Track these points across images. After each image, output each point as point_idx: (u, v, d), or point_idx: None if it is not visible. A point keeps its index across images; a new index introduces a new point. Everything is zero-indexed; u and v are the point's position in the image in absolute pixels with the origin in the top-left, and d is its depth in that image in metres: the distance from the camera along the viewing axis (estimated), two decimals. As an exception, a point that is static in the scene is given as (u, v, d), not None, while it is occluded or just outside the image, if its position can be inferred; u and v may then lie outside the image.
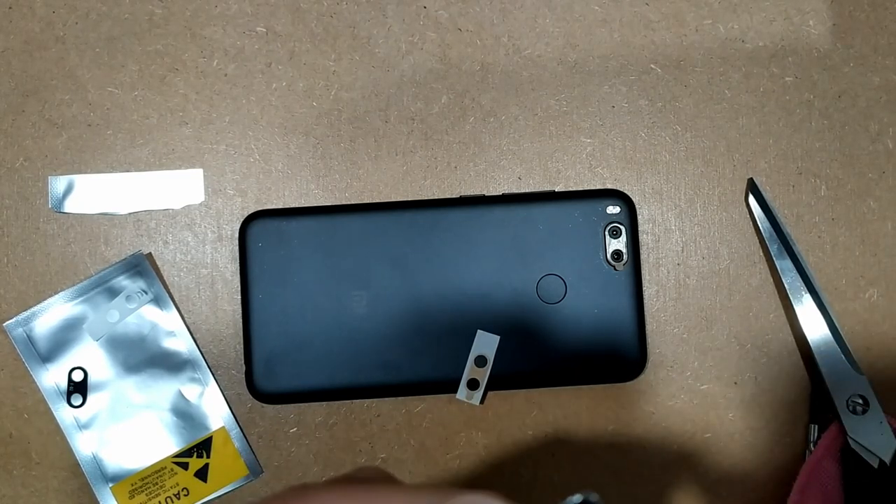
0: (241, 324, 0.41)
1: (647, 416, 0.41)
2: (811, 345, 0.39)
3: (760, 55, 0.42)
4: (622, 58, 0.42)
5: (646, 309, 0.41)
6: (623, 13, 0.42)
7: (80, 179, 0.42)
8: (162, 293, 0.41)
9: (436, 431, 0.42)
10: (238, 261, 0.41)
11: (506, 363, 0.40)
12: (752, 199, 0.41)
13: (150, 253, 0.42)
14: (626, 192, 0.41)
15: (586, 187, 0.42)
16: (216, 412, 0.41)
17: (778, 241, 0.40)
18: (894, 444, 0.38)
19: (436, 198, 0.42)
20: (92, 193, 0.42)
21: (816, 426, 0.40)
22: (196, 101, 0.42)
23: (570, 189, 0.42)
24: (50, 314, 0.41)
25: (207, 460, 0.41)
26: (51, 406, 0.41)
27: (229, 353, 0.42)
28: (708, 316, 0.42)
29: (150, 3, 0.42)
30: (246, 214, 0.41)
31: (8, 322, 0.41)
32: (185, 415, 0.41)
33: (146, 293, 0.41)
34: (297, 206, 0.42)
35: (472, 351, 0.40)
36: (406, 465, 0.42)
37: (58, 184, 0.42)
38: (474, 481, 0.41)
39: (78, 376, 0.41)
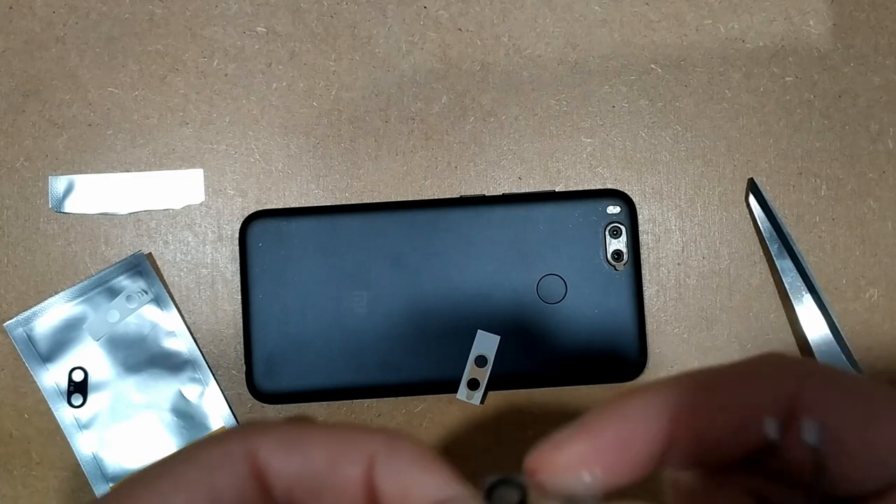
0: (241, 324, 0.41)
1: (648, 416, 0.41)
2: (811, 345, 0.39)
3: (760, 55, 0.42)
4: (622, 58, 0.42)
5: (646, 309, 0.41)
6: (623, 13, 0.42)
7: (80, 179, 0.42)
8: (162, 293, 0.41)
9: (436, 431, 0.42)
10: (238, 261, 0.41)
11: (506, 363, 0.40)
12: (752, 199, 0.41)
13: (150, 253, 0.42)
14: (626, 192, 0.41)
15: (586, 187, 0.42)
16: (216, 412, 0.41)
17: (778, 241, 0.40)
18: (894, 444, 0.38)
19: (436, 198, 0.42)
20: (92, 193, 0.42)
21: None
22: (196, 101, 0.42)
23: (571, 189, 0.42)
24: (50, 314, 0.41)
25: (207, 460, 0.41)
26: (51, 406, 0.41)
27: (229, 353, 0.42)
28: (708, 316, 0.42)
29: (150, 3, 0.42)
30: (246, 214, 0.41)
31: (8, 322, 0.41)
32: (185, 415, 0.41)
33: (146, 293, 0.41)
34: (297, 206, 0.42)
35: (472, 351, 0.40)
36: (406, 465, 0.41)
37: (58, 184, 0.42)
38: (475, 481, 0.41)
39: (78, 376, 0.41)
